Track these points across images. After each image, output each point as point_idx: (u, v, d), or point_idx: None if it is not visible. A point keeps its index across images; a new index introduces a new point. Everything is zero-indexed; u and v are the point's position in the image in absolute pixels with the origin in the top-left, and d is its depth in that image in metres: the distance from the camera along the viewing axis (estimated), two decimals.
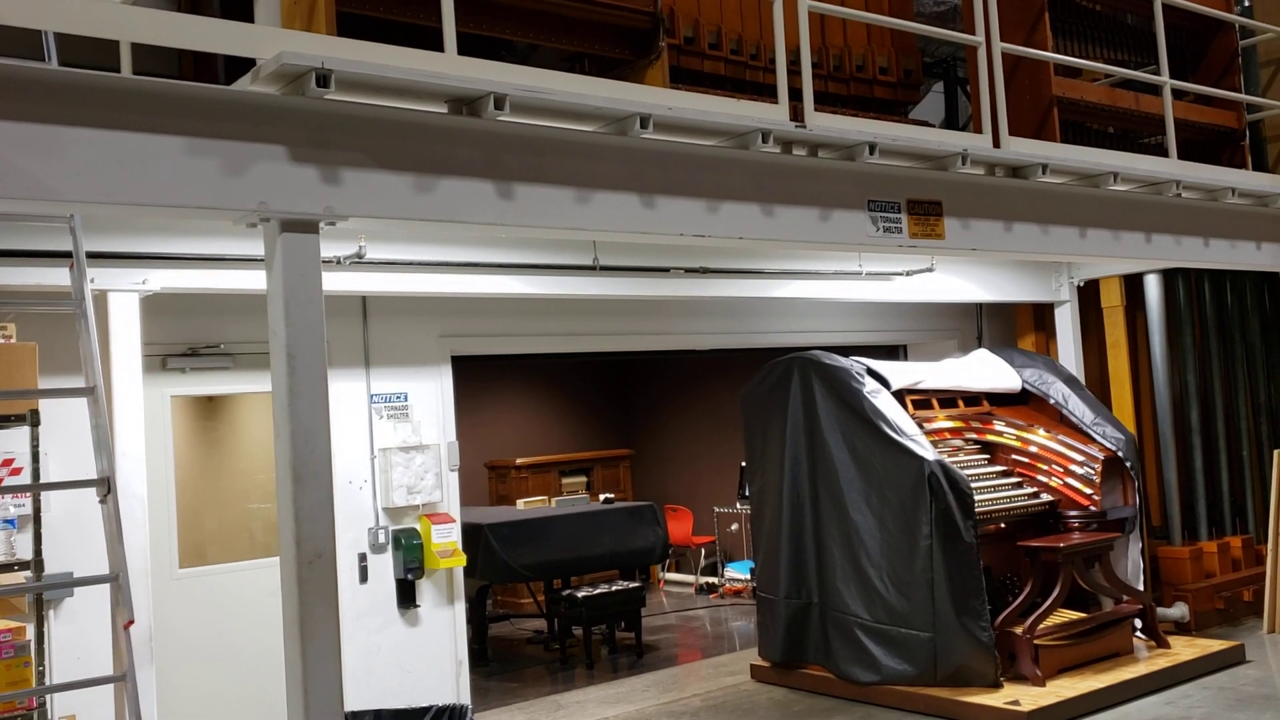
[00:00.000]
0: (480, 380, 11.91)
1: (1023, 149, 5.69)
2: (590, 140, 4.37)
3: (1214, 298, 8.95)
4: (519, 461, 12.03)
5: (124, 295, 5.22)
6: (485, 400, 12.51)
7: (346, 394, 6.62)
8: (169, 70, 5.67)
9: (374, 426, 6.75)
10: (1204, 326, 8.93)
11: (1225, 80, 7.32)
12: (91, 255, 4.71)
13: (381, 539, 6.73)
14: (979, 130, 5.59)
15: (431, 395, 6.99)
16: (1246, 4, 8.56)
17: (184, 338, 6.22)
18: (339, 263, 5.78)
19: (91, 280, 4.54)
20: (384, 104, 3.85)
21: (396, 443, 6.77)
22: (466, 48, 4.01)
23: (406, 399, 6.89)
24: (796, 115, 4.88)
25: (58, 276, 4.70)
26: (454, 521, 6.92)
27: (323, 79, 3.52)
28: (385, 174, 3.79)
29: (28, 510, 4.83)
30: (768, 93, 5.27)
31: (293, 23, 3.97)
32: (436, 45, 3.91)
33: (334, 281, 5.65)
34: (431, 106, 3.99)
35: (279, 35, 3.60)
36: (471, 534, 8.33)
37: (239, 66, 3.99)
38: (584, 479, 12.54)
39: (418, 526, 6.82)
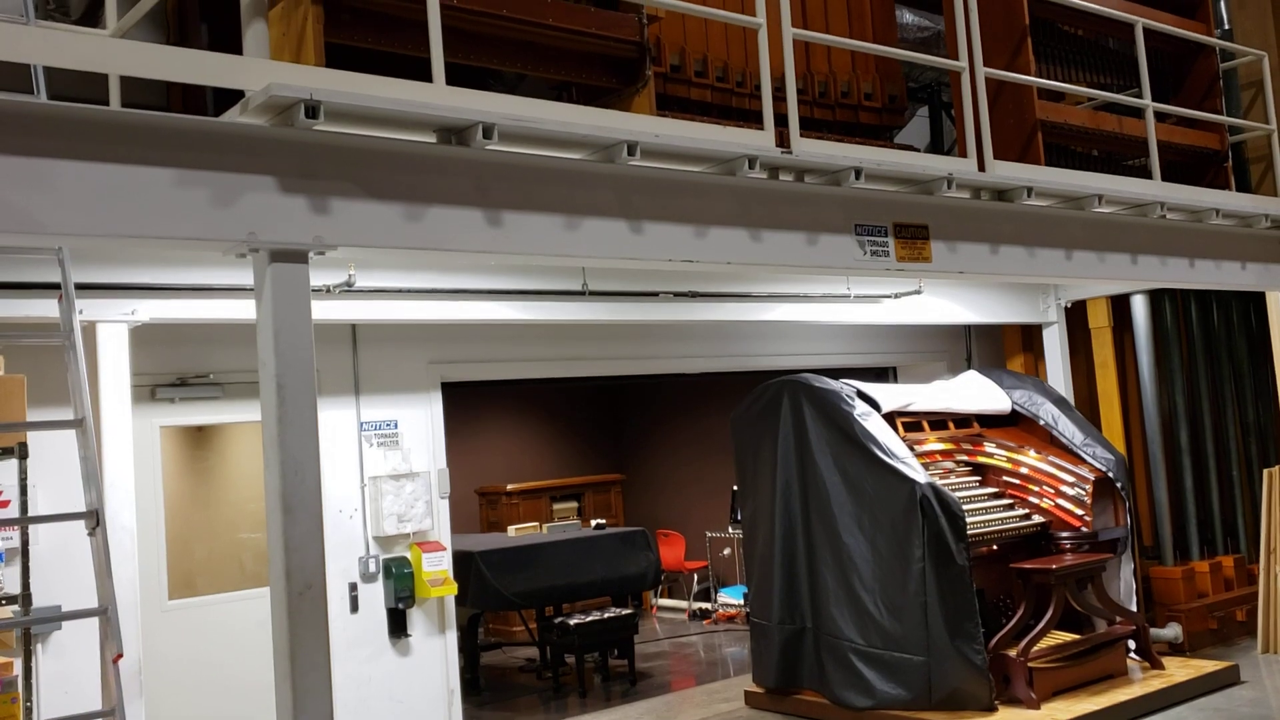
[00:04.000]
0: (470, 406, 11.90)
1: (1007, 172, 5.74)
2: (578, 168, 4.39)
3: (1201, 317, 9.00)
4: (510, 488, 12.00)
5: (113, 326, 5.22)
6: (475, 426, 12.49)
7: (336, 422, 6.61)
8: (158, 101, 5.69)
9: (364, 454, 6.73)
10: (1191, 346, 8.97)
11: (1207, 102, 7.40)
12: (80, 286, 4.70)
13: (372, 568, 6.70)
14: (964, 154, 5.64)
15: (421, 422, 6.98)
16: (1227, 27, 8.65)
17: (173, 367, 6.21)
18: (328, 291, 5.78)
19: (80, 311, 4.54)
20: (373, 134, 3.86)
21: (387, 470, 6.76)
22: (455, 77, 4.03)
23: (396, 426, 6.88)
24: (782, 141, 4.91)
25: (46, 308, 4.70)
26: (445, 549, 6.90)
27: (311, 110, 3.53)
28: (374, 203, 3.80)
29: (15, 544, 4.80)
30: (754, 119, 5.30)
31: (281, 54, 3.99)
32: (425, 75, 3.94)
33: (323, 310, 5.65)
34: (420, 136, 4.01)
35: (268, 67, 3.62)
36: (462, 562, 8.30)
37: (228, 97, 4.01)
38: (575, 504, 12.52)
39: (408, 555, 6.80)
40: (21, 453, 4.23)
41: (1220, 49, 7.54)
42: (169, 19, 5.81)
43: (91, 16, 5.57)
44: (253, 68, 3.59)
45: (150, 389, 6.15)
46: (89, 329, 5.06)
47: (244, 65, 3.62)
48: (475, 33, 4.49)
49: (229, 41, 4.76)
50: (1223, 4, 8.78)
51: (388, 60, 4.29)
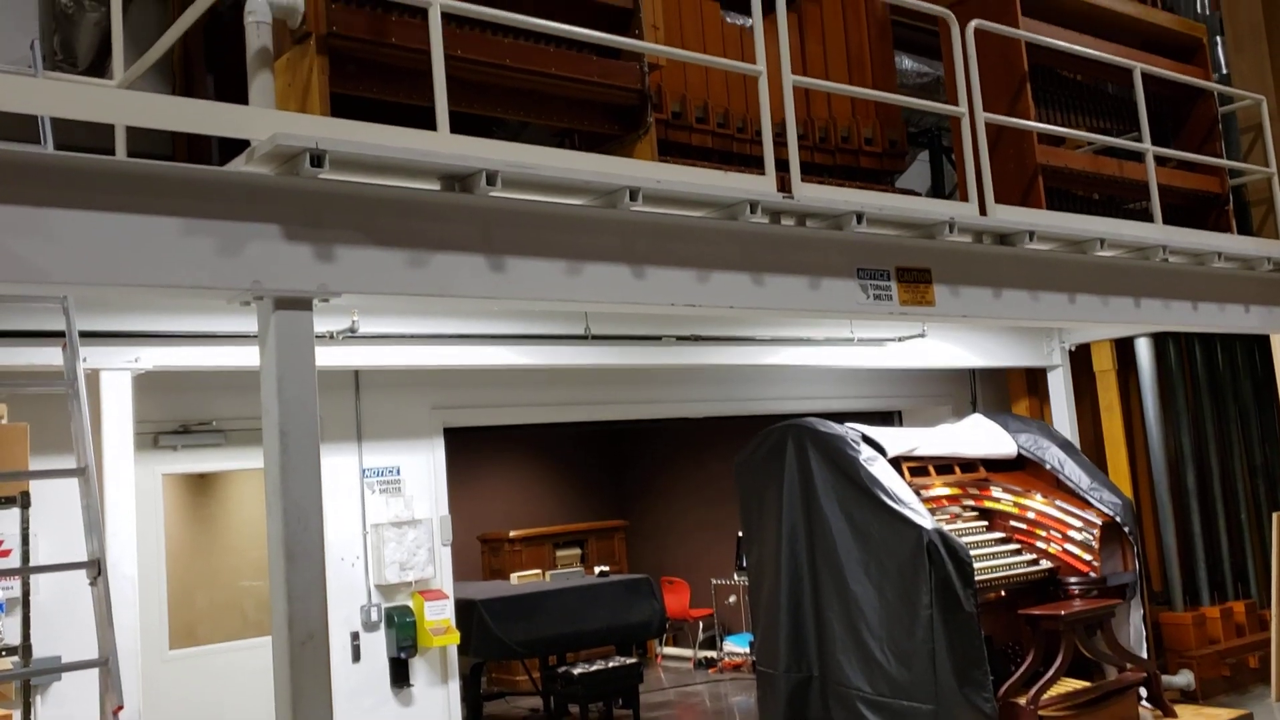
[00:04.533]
0: (472, 451, 11.87)
1: (1009, 216, 5.75)
2: (581, 214, 4.41)
3: (1205, 360, 8.99)
4: (512, 534, 11.93)
5: (116, 374, 5.22)
6: (478, 472, 12.44)
7: (339, 469, 6.59)
8: (164, 150, 5.74)
9: (366, 501, 6.71)
10: (1197, 389, 8.95)
11: (1207, 146, 7.43)
12: (84, 334, 4.71)
13: (374, 617, 6.64)
14: (965, 198, 5.66)
15: (424, 468, 6.96)
16: (1225, 71, 8.72)
17: (176, 415, 6.20)
18: (332, 337, 5.79)
19: (84, 359, 4.54)
20: (377, 182, 3.89)
21: (389, 518, 6.72)
22: (458, 125, 4.06)
23: (399, 473, 6.86)
24: (784, 186, 4.93)
25: (50, 356, 4.71)
26: (447, 598, 6.85)
27: (317, 159, 3.55)
28: (378, 250, 3.81)
29: (16, 593, 4.77)
30: (755, 164, 5.33)
31: (287, 104, 4.02)
32: (428, 122, 3.97)
33: (327, 356, 5.66)
34: (424, 183, 4.02)
35: (274, 117, 3.64)
36: (465, 610, 8.24)
37: (233, 145, 4.04)
38: (578, 551, 12.44)
39: (410, 604, 6.74)
40: (24, 502, 4.22)
41: (1219, 93, 7.59)
42: (175, 69, 5.88)
43: (99, 66, 5.63)
44: (258, 118, 3.62)
45: (153, 436, 6.14)
46: (92, 377, 5.06)
47: (250, 115, 3.64)
48: (479, 82, 4.53)
49: (235, 90, 4.81)
50: (1220, 49, 8.86)
51: (391, 107, 4.33)
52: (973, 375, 9.61)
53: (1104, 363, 8.87)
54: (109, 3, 4.67)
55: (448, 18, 4.13)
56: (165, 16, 5.84)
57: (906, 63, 8.30)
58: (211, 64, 5.80)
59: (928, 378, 9.36)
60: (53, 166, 3.27)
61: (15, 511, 4.24)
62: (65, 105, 3.31)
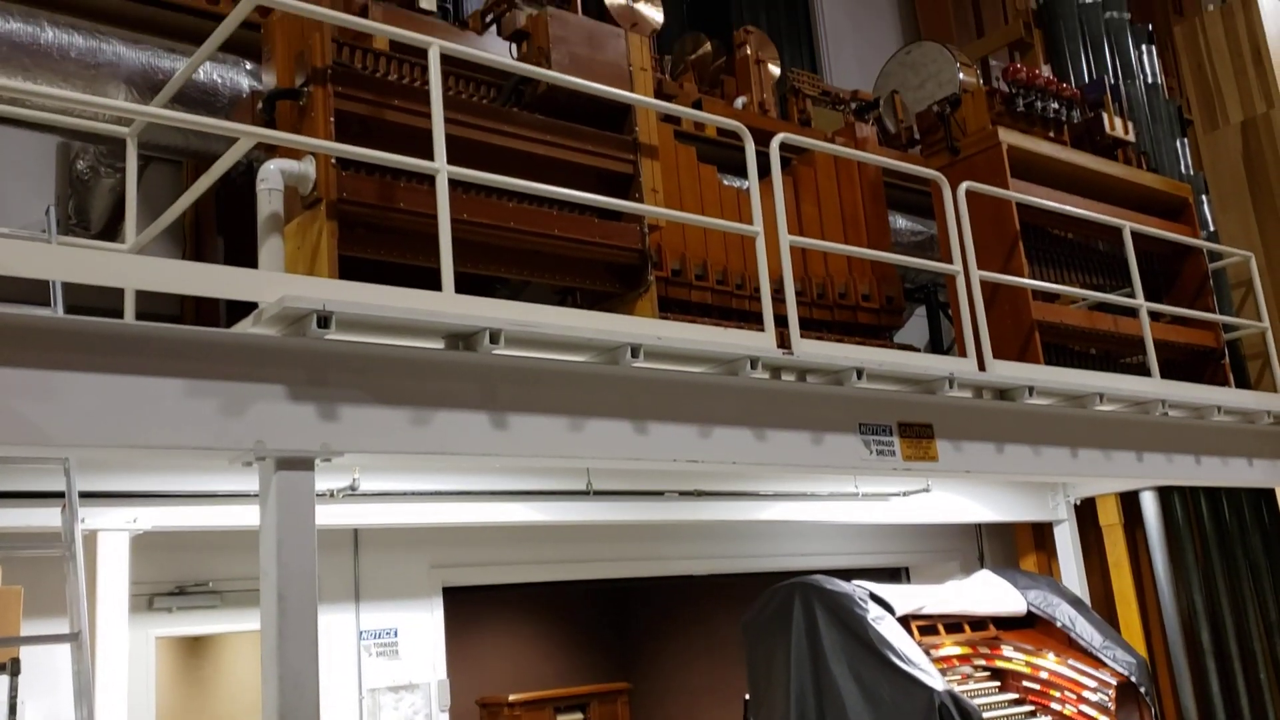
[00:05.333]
0: (472, 611, 11.63)
1: (1007, 372, 5.79)
2: (583, 370, 4.44)
3: (1212, 514, 8.90)
4: (512, 698, 11.57)
5: (114, 535, 5.16)
6: (477, 631, 12.18)
7: (335, 630, 6.45)
8: (172, 309, 5.82)
9: (362, 664, 6.54)
10: (1205, 544, 8.84)
11: (1199, 301, 7.55)
12: (82, 494, 4.68)
13: None
14: (963, 354, 5.71)
15: (422, 629, 6.81)
16: (1212, 228, 8.93)
17: (172, 576, 6.10)
18: (332, 496, 5.75)
19: (82, 520, 4.50)
20: (383, 341, 3.93)
21: (386, 682, 6.54)
22: (462, 283, 4.13)
23: (396, 635, 6.70)
24: (783, 342, 4.99)
25: (47, 517, 4.66)
26: None
27: (324, 320, 3.60)
28: (382, 409, 3.83)
29: None
30: (754, 319, 5.40)
31: (296, 266, 4.10)
32: (433, 280, 4.04)
33: (326, 515, 5.60)
34: (428, 342, 4.07)
35: (283, 280, 3.71)
36: None
37: (241, 304, 4.10)
38: (580, 716, 12.05)
39: None
40: (13, 669, 4.11)
41: (1208, 250, 7.75)
42: (186, 231, 6.03)
43: (111, 228, 5.77)
44: (268, 281, 3.69)
45: (148, 598, 6.02)
46: (89, 538, 5.01)
47: (260, 279, 3.71)
48: (483, 243, 4.63)
49: (245, 251, 4.92)
50: (1206, 207, 9.09)
51: (396, 267, 4.42)
52: (979, 530, 9.51)
53: (1110, 517, 8.79)
54: (124, 168, 4.82)
55: (454, 183, 4.25)
56: (179, 181, 6.02)
57: (900, 221, 8.49)
58: (222, 226, 5.95)
59: (934, 532, 9.25)
60: (62, 330, 3.31)
61: (4, 679, 4.13)
62: (78, 271, 3.37)
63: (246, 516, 5.24)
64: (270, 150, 4.38)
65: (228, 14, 4.15)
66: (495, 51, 5.03)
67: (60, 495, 4.32)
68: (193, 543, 6.06)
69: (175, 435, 3.38)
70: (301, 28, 4.35)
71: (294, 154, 4.21)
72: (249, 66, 5.10)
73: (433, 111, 4.13)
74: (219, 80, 4.99)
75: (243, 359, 3.57)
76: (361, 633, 6.58)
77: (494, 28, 5.75)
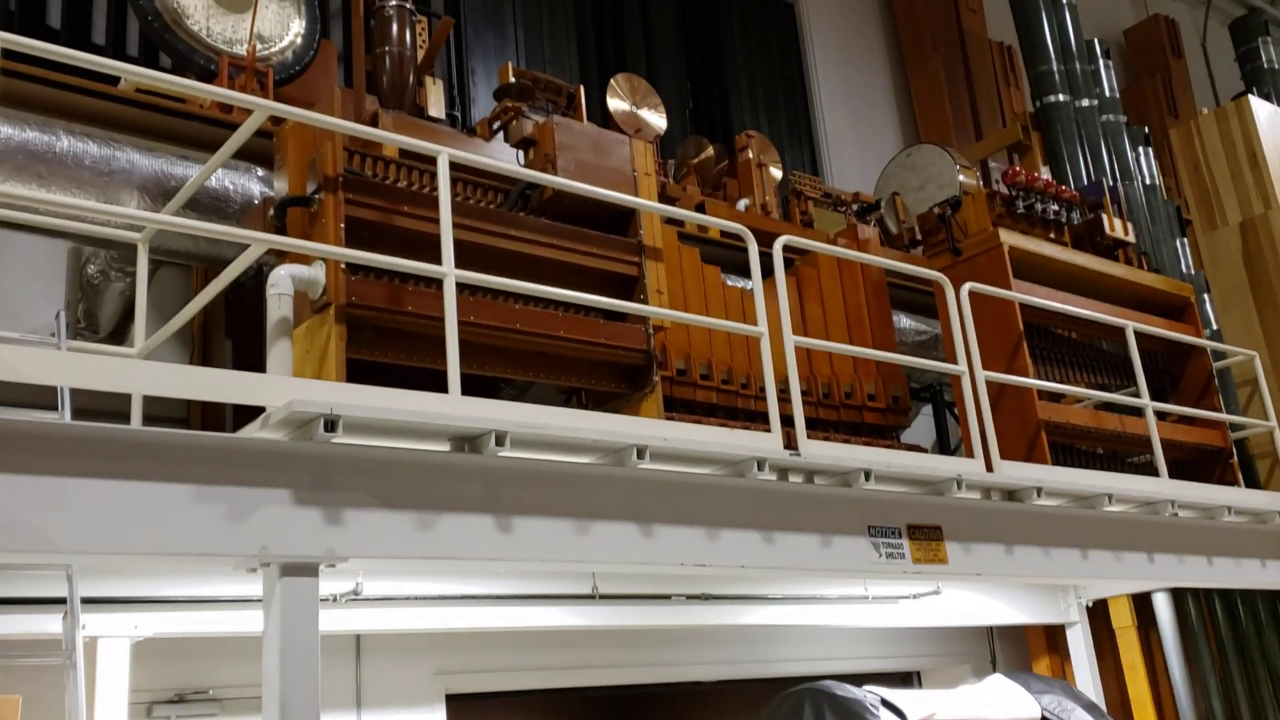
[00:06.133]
0: (476, 718, 11.37)
1: (1015, 473, 5.76)
2: (588, 471, 4.42)
3: (1227, 615, 8.76)
4: None
5: (115, 642, 5.08)
6: None
7: None
8: (178, 410, 5.83)
9: None
10: (1221, 646, 8.68)
11: (1204, 400, 7.53)
12: (84, 600, 4.62)
13: None
14: (970, 454, 5.69)
15: None
16: (1215, 327, 8.96)
17: (172, 683, 5.99)
18: (335, 600, 5.68)
19: (84, 626, 4.44)
20: (389, 444, 3.92)
21: None
22: (467, 384, 4.15)
23: None
24: (790, 442, 4.97)
25: (47, 624, 4.60)
26: None
27: (331, 424, 3.60)
28: (387, 513, 3.80)
29: None
30: (760, 419, 5.39)
31: (303, 370, 4.12)
32: (438, 381, 4.05)
33: (329, 620, 5.52)
34: (434, 445, 4.06)
35: (291, 384, 3.72)
36: None
37: (248, 408, 4.11)
38: None
39: None
40: None
41: (1211, 349, 7.76)
42: (195, 334, 6.06)
43: (120, 332, 5.81)
44: (276, 385, 3.70)
45: (147, 706, 5.90)
46: (90, 645, 4.93)
47: (268, 383, 3.72)
48: (490, 345, 4.66)
49: (252, 354, 4.94)
50: (1208, 306, 9.15)
51: (402, 370, 4.44)
52: (991, 633, 9.35)
53: (1123, 619, 8.65)
54: (134, 273, 4.87)
55: (461, 286, 4.30)
56: (188, 284, 6.08)
57: (905, 321, 8.54)
58: (231, 329, 5.99)
59: (945, 635, 9.10)
60: (68, 437, 3.31)
61: None
62: (86, 377, 3.39)
63: (248, 622, 5.17)
64: (280, 255, 4.44)
65: (240, 122, 4.24)
66: (503, 158, 5.13)
67: (61, 601, 4.26)
68: (193, 649, 5.96)
69: (181, 542, 3.36)
70: (313, 136, 4.45)
71: (304, 259, 4.26)
72: (260, 173, 5.20)
73: (441, 217, 4.19)
74: (230, 186, 5.07)
75: (249, 464, 3.56)
76: None
77: (501, 135, 5.88)
